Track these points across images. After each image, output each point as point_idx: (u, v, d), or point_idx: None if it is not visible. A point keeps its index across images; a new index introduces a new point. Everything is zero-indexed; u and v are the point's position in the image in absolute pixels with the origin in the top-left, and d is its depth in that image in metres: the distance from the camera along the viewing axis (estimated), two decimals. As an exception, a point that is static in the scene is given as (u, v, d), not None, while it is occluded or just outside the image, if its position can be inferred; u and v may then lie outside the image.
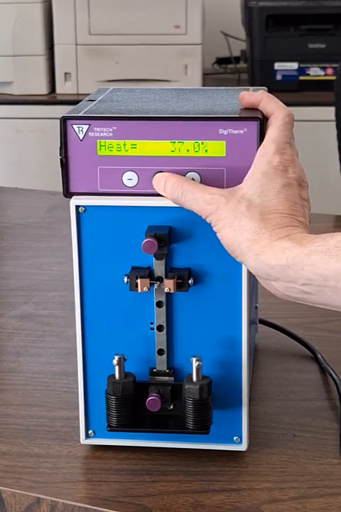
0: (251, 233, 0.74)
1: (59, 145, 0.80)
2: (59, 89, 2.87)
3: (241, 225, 0.75)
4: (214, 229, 0.77)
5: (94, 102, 0.85)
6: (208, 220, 0.77)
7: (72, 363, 0.98)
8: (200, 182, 0.80)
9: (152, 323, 0.83)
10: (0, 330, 1.14)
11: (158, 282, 0.81)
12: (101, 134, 0.80)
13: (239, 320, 0.81)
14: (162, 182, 0.79)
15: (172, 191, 0.78)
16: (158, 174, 0.80)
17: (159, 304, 0.82)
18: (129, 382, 0.82)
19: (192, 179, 0.80)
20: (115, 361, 0.81)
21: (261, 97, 0.81)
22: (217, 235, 0.77)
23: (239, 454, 0.85)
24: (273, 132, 0.78)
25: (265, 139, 0.78)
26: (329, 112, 2.04)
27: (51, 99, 2.85)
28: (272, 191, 0.76)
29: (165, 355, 0.83)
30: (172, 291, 0.81)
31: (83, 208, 0.81)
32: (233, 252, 0.76)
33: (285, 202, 0.76)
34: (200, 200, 0.77)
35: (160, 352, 0.83)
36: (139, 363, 0.83)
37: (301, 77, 2.82)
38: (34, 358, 1.05)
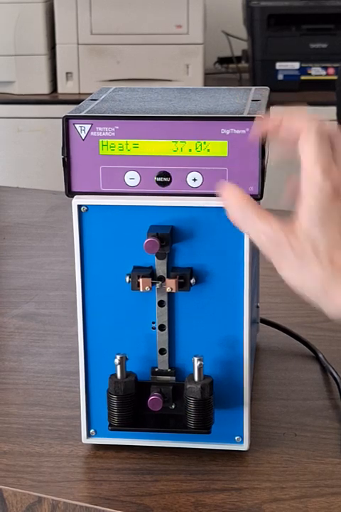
0: (325, 281, 0.69)
1: (60, 144, 0.80)
2: (60, 89, 2.87)
3: (311, 272, 0.69)
4: (277, 267, 0.71)
5: (97, 102, 0.86)
6: (269, 258, 0.71)
7: (74, 363, 0.98)
8: (202, 182, 0.80)
9: (154, 323, 0.83)
10: (1, 329, 1.14)
11: (160, 282, 0.81)
12: (104, 134, 0.80)
13: (241, 319, 0.82)
14: (228, 194, 0.73)
15: (235, 210, 0.73)
16: (229, 185, 0.74)
17: (161, 304, 0.82)
18: (131, 382, 0.82)
19: (194, 179, 0.80)
20: (117, 360, 0.81)
21: (280, 119, 0.72)
22: (280, 273, 0.71)
23: (241, 453, 0.85)
24: (311, 150, 0.69)
25: (304, 159, 0.70)
26: (331, 111, 2.04)
27: (53, 98, 2.86)
28: (334, 225, 0.69)
29: (166, 355, 0.83)
30: (174, 290, 0.81)
31: (85, 208, 0.81)
32: (303, 294, 0.72)
33: None
34: (261, 234, 0.71)
35: (162, 351, 0.83)
36: (141, 362, 0.83)
37: (303, 77, 2.82)
38: (35, 358, 1.05)
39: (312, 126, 0.70)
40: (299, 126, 0.71)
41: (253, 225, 0.72)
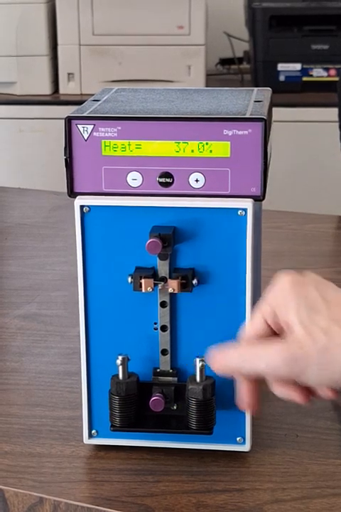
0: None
1: (62, 145, 0.80)
2: (62, 90, 2.87)
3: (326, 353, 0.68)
4: (301, 379, 0.70)
5: (99, 102, 0.86)
6: (290, 377, 0.70)
7: (75, 363, 0.98)
8: (205, 183, 0.80)
9: (156, 324, 0.83)
10: (3, 330, 1.14)
11: (162, 282, 0.81)
12: (106, 134, 0.80)
13: (243, 320, 0.81)
14: (215, 360, 0.73)
15: (231, 365, 0.73)
16: (211, 353, 0.74)
17: (163, 304, 0.82)
18: (133, 382, 0.82)
19: (196, 180, 0.80)
20: (119, 361, 0.81)
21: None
22: (308, 382, 0.70)
23: (242, 454, 0.85)
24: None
25: (270, 296, 0.72)
26: (332, 112, 2.03)
27: (54, 99, 2.85)
28: (318, 301, 0.70)
29: (168, 356, 0.83)
30: (176, 291, 0.81)
31: (87, 208, 0.81)
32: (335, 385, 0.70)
33: (336, 298, 0.70)
34: (271, 359, 0.70)
35: (164, 352, 0.83)
36: (143, 363, 0.83)
37: (304, 78, 2.82)
38: (37, 358, 1.05)
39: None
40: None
41: (260, 358, 0.71)
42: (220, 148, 0.79)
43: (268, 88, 0.93)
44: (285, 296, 0.71)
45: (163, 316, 0.82)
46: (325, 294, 0.70)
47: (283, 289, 0.71)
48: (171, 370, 0.83)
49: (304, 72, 2.82)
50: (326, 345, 0.68)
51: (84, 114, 0.80)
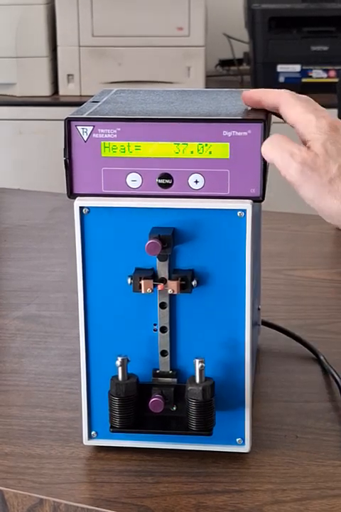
0: None
1: (62, 146, 0.80)
2: (62, 91, 2.87)
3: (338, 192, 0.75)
4: (300, 190, 0.77)
5: (98, 104, 0.86)
6: (291, 180, 0.77)
7: (75, 364, 0.98)
8: (204, 184, 0.80)
9: (155, 325, 0.83)
10: (3, 331, 1.14)
11: (162, 283, 0.81)
12: (106, 136, 0.80)
13: (242, 322, 0.82)
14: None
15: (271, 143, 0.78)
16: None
17: (162, 306, 0.82)
18: (132, 384, 0.82)
19: (196, 181, 0.80)
20: (118, 362, 0.81)
21: (259, 94, 0.82)
22: (316, 205, 0.77)
23: (242, 455, 0.85)
24: (297, 110, 0.79)
25: (297, 117, 0.79)
26: (332, 114, 2.03)
27: (54, 100, 2.86)
28: None
29: (168, 357, 0.83)
30: (175, 292, 0.81)
31: (87, 209, 0.81)
32: (325, 217, 0.78)
33: None
34: (291, 154, 0.77)
35: (164, 353, 0.83)
36: (142, 364, 0.83)
37: (304, 80, 2.82)
38: (37, 359, 1.05)
39: (286, 93, 0.80)
40: (276, 97, 0.81)
41: (285, 146, 0.77)
42: (220, 150, 0.79)
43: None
44: (319, 131, 0.77)
45: (163, 317, 0.82)
46: None
47: (320, 127, 0.77)
48: (171, 371, 0.84)
49: (303, 73, 2.82)
50: (333, 178, 0.75)
51: (84, 116, 0.80)
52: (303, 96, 0.82)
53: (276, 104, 0.81)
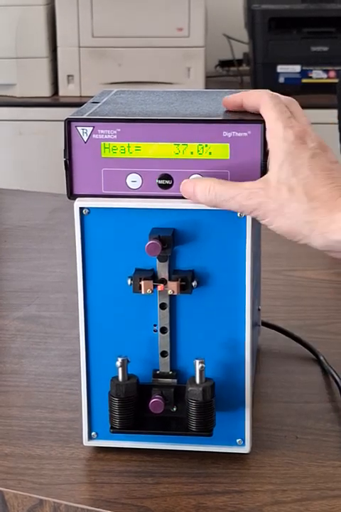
0: (306, 215, 0.75)
1: (62, 147, 0.80)
2: (62, 92, 2.87)
3: (292, 212, 0.75)
4: (264, 222, 0.77)
5: (98, 104, 0.86)
6: (254, 215, 0.77)
7: (75, 365, 0.98)
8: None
9: (155, 325, 0.83)
10: (3, 332, 1.14)
11: (162, 284, 0.81)
12: (106, 136, 0.80)
13: (242, 322, 0.82)
14: (190, 188, 0.78)
15: (205, 196, 0.78)
16: (185, 181, 0.79)
17: (162, 306, 0.82)
18: (132, 384, 0.82)
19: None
20: (118, 363, 0.81)
21: (241, 96, 0.82)
22: (270, 227, 0.77)
23: (242, 456, 0.85)
24: (270, 114, 0.78)
25: (267, 123, 0.78)
26: (332, 114, 2.04)
27: (54, 101, 2.86)
28: (303, 167, 0.76)
29: (168, 357, 0.83)
30: (175, 293, 0.81)
31: (87, 210, 0.81)
32: (294, 238, 0.77)
33: (321, 173, 0.76)
34: (238, 197, 0.77)
35: (164, 354, 0.83)
36: (142, 364, 0.83)
37: (304, 80, 2.82)
38: (37, 360, 1.05)
39: (266, 94, 0.80)
40: (255, 99, 0.80)
41: (228, 194, 0.77)
42: (219, 150, 0.79)
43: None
44: (281, 145, 0.77)
45: (163, 318, 0.82)
46: (315, 166, 0.76)
47: (285, 139, 0.77)
48: (171, 372, 0.84)
49: (303, 73, 2.82)
50: (283, 203, 0.75)
51: (84, 116, 0.80)
52: (285, 98, 0.82)
53: (256, 105, 0.80)
